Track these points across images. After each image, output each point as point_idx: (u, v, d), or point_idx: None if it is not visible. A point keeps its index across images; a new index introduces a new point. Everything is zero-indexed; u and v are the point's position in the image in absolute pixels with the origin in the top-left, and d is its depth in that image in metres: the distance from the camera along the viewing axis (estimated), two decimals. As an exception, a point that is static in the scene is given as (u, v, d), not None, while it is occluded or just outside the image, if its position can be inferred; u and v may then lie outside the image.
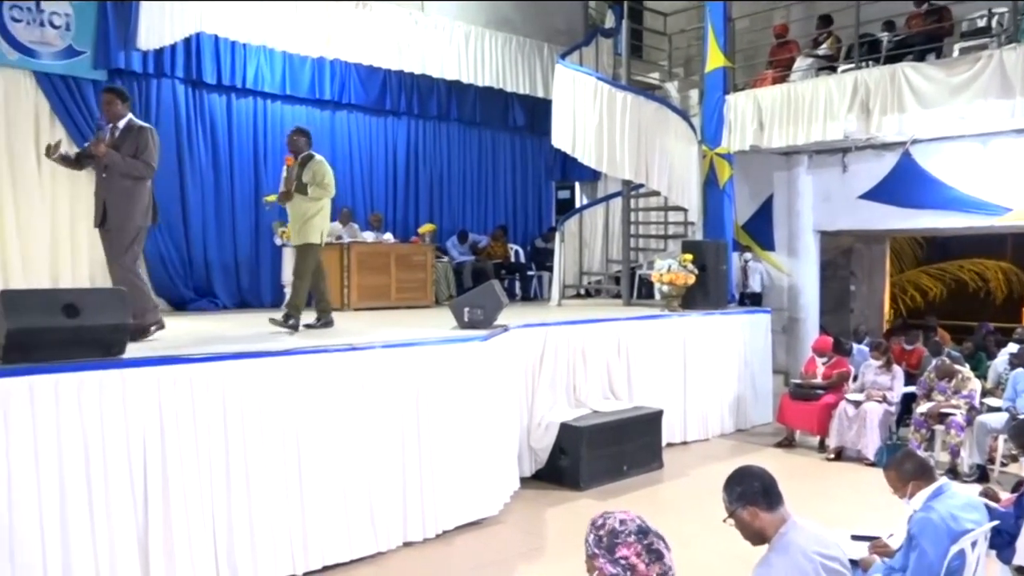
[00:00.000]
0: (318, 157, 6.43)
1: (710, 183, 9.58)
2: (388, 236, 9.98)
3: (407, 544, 5.05)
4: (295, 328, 5.92)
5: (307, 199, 6.23)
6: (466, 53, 10.08)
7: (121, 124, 5.34)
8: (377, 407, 4.91)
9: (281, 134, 9.86)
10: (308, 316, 6.33)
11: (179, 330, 5.82)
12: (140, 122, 5.46)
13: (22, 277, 7.80)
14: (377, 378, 4.92)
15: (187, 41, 8.62)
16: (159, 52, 8.58)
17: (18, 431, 3.58)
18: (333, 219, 9.78)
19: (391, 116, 10.93)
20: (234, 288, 9.48)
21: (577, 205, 12.81)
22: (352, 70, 10.21)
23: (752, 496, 2.62)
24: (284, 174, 6.50)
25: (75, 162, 5.56)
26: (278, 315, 6.07)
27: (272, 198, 9.44)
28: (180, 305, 8.59)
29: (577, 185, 13.24)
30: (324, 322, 6.40)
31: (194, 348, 4.61)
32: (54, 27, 8.06)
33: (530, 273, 11.80)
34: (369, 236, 9.75)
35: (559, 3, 11.19)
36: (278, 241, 9.39)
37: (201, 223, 9.10)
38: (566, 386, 6.93)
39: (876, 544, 3.48)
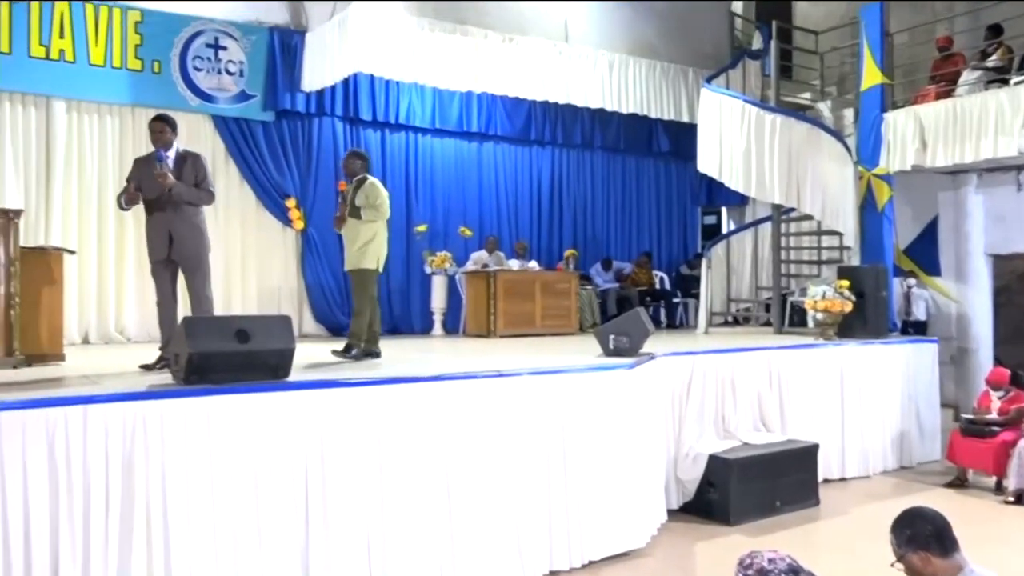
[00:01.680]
0: (372, 179, 6.24)
1: (868, 206, 9.13)
2: (533, 264, 10.11)
3: (553, 573, 5.03)
4: (357, 358, 5.90)
5: (361, 223, 6.02)
6: (610, 81, 10.11)
7: (172, 153, 5.34)
8: (523, 434, 4.94)
9: (431, 166, 10.28)
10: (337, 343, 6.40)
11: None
12: (190, 149, 5.53)
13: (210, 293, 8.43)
14: (523, 405, 4.96)
15: (345, 82, 9.14)
16: (320, 93, 9.16)
17: (196, 449, 3.84)
18: (479, 247, 10.09)
19: (536, 146, 11.13)
20: (386, 315, 9.82)
21: (724, 231, 12.50)
22: (498, 102, 10.49)
23: (924, 540, 2.44)
24: (339, 200, 6.32)
25: (131, 201, 5.39)
26: (339, 347, 6.03)
27: (423, 228, 9.85)
28: (337, 331, 9.00)
29: (724, 210, 12.94)
30: (369, 352, 6.08)
31: (351, 373, 4.82)
32: (229, 74, 8.74)
33: (675, 300, 11.60)
34: (515, 264, 9.90)
35: (704, 27, 11.04)
36: (428, 269, 9.70)
37: (357, 253, 9.53)
38: (714, 417, 6.73)
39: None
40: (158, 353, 5.28)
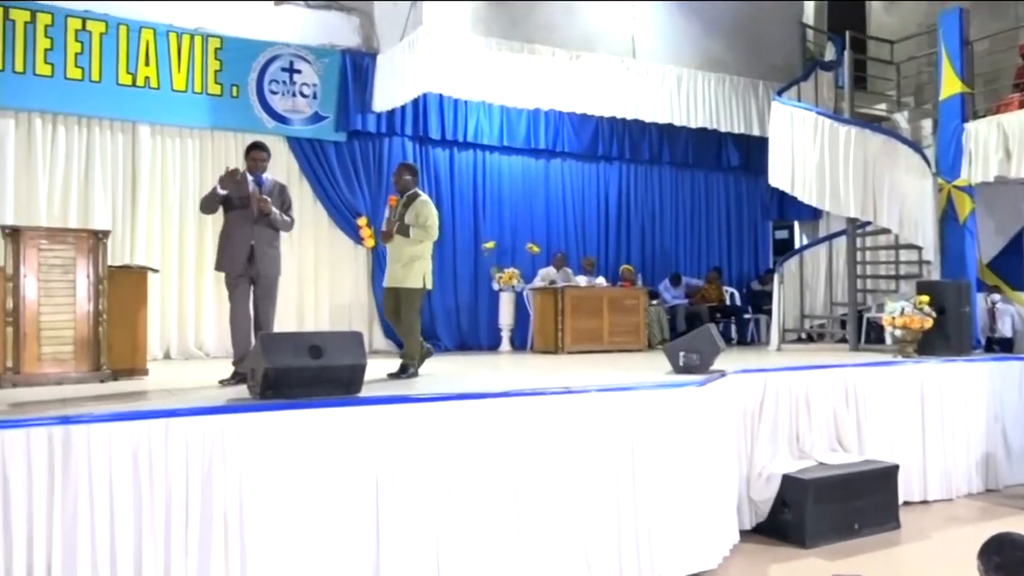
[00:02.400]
0: (424, 197, 6.11)
1: (948, 218, 8.82)
2: (601, 280, 10.07)
3: (622, 591, 4.97)
4: (413, 378, 5.87)
5: (409, 241, 5.91)
6: (678, 96, 10.04)
7: (265, 178, 5.64)
8: (592, 451, 4.91)
9: (499, 183, 10.36)
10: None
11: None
12: (277, 179, 5.85)
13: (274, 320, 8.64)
14: (592, 422, 4.93)
15: (415, 102, 9.31)
16: (391, 113, 9.36)
17: (271, 462, 3.93)
18: (547, 264, 10.11)
19: (603, 162, 11.12)
20: (455, 331, 9.95)
21: (797, 245, 12.25)
22: (565, 119, 10.54)
23: (1015, 568, 2.33)
24: (387, 214, 6.17)
25: (219, 203, 5.58)
26: (395, 370, 5.96)
27: (491, 245, 9.93)
28: (406, 347, 9.11)
29: (796, 224, 12.70)
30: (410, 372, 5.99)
31: (421, 388, 4.87)
32: (303, 96, 9.00)
33: (746, 316, 11.41)
34: (582, 280, 9.88)
35: (774, 39, 10.89)
36: (496, 286, 9.76)
37: (426, 270, 9.66)
38: (788, 436, 6.56)
39: None
40: (236, 367, 5.43)
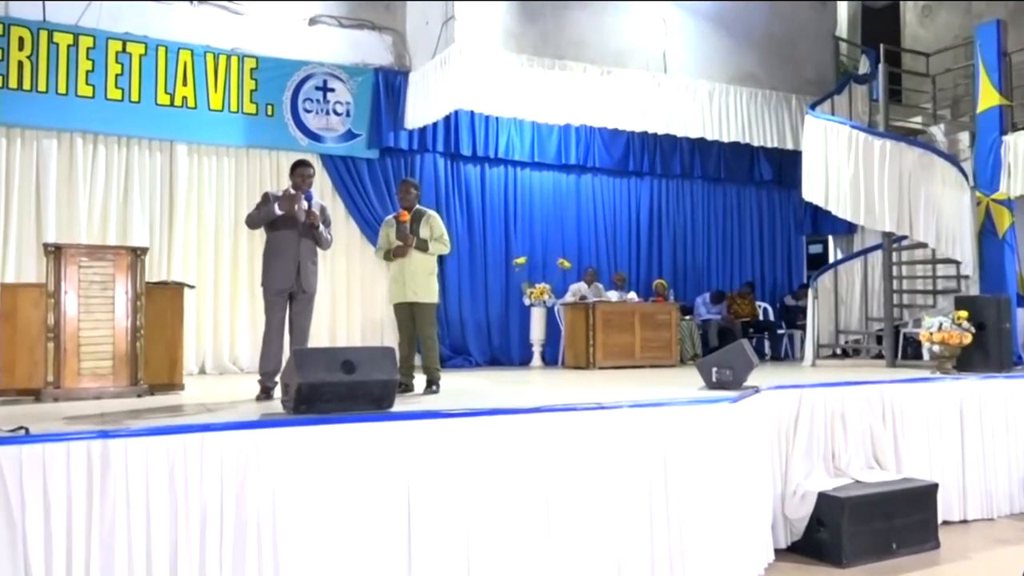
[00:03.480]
0: (432, 212, 6.24)
1: (987, 232, 8.68)
2: (632, 295, 10.04)
3: (655, 610, 4.92)
4: (437, 391, 5.89)
5: (424, 256, 5.99)
6: (710, 110, 10.01)
7: (312, 195, 5.71)
8: (624, 467, 4.88)
9: (530, 199, 10.40)
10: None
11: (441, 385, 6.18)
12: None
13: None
14: (624, 438, 4.90)
15: (447, 118, 9.39)
16: (422, 130, 9.46)
17: (305, 476, 3.96)
18: (578, 279, 10.11)
19: (634, 177, 11.12)
20: (486, 346, 9.97)
21: (831, 260, 12.11)
22: (596, 134, 10.57)
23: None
24: (385, 230, 6.17)
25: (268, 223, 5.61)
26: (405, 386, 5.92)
27: (522, 260, 9.95)
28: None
29: (830, 239, 12.56)
30: (405, 386, 5.89)
31: (452, 403, 4.88)
32: (337, 114, 9.13)
33: (780, 332, 11.29)
34: (613, 295, 9.86)
35: (807, 53, 10.82)
36: (527, 301, 9.77)
37: (457, 285, 9.72)
38: (823, 453, 6.46)
39: None
40: (264, 383, 5.50)
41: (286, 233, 5.55)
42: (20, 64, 7.79)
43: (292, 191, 5.60)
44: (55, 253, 5.50)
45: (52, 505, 3.40)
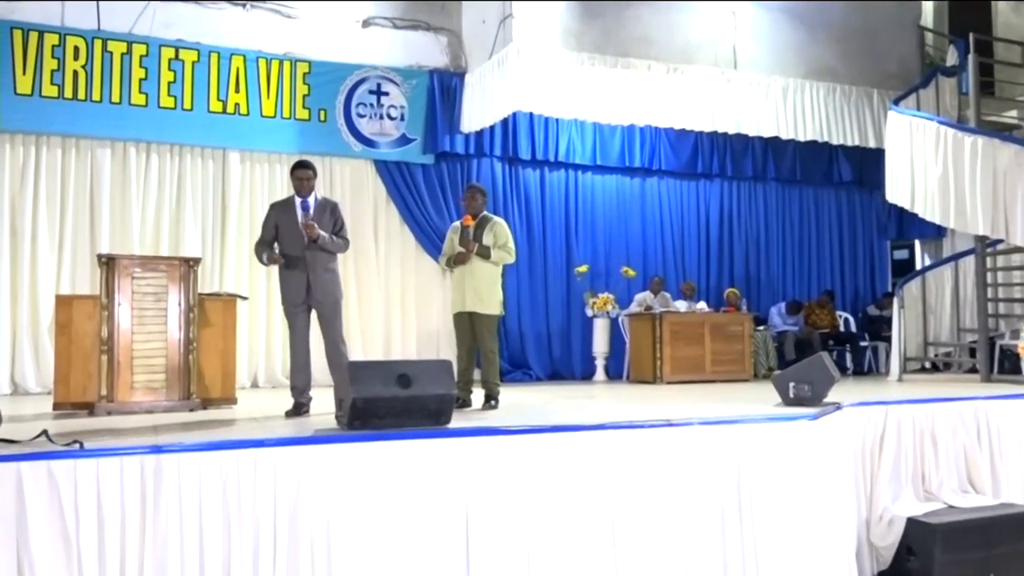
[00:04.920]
0: (498, 219, 6.24)
1: (1093, 235, 8.32)
2: (702, 305, 9.92)
3: (729, 641, 4.83)
4: (496, 406, 5.87)
5: (486, 265, 5.96)
6: (784, 108, 9.85)
7: (312, 199, 5.61)
8: (695, 488, 4.80)
9: (592, 204, 10.37)
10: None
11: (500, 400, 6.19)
12: (328, 197, 5.79)
13: (360, 347, 8.87)
14: (695, 457, 4.83)
15: (504, 121, 9.43)
16: (479, 133, 9.52)
17: (359, 494, 3.99)
18: (644, 288, 10.03)
19: (703, 179, 11.01)
20: (546, 359, 9.96)
21: (918, 266, 11.80)
22: (662, 135, 10.49)
23: None
24: (450, 236, 6.20)
25: (275, 261, 5.65)
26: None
27: (584, 269, 9.92)
28: (497, 376, 9.18)
29: (917, 243, 12.25)
30: (463, 401, 5.93)
31: (511, 419, 4.88)
32: (391, 119, 9.25)
33: (862, 344, 11.03)
34: (682, 305, 9.76)
35: (889, 45, 10.58)
36: (589, 312, 9.73)
37: (516, 295, 9.72)
38: (912, 475, 6.27)
39: None
40: (296, 399, 5.52)
41: (290, 245, 5.56)
42: (75, 73, 8.09)
43: (301, 209, 5.57)
44: (108, 264, 5.68)
45: (106, 521, 3.49)
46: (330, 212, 5.67)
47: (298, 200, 5.64)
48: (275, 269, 8.66)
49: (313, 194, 5.67)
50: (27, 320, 7.94)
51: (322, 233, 5.49)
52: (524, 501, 4.37)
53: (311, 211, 5.57)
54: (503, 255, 6.03)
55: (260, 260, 5.76)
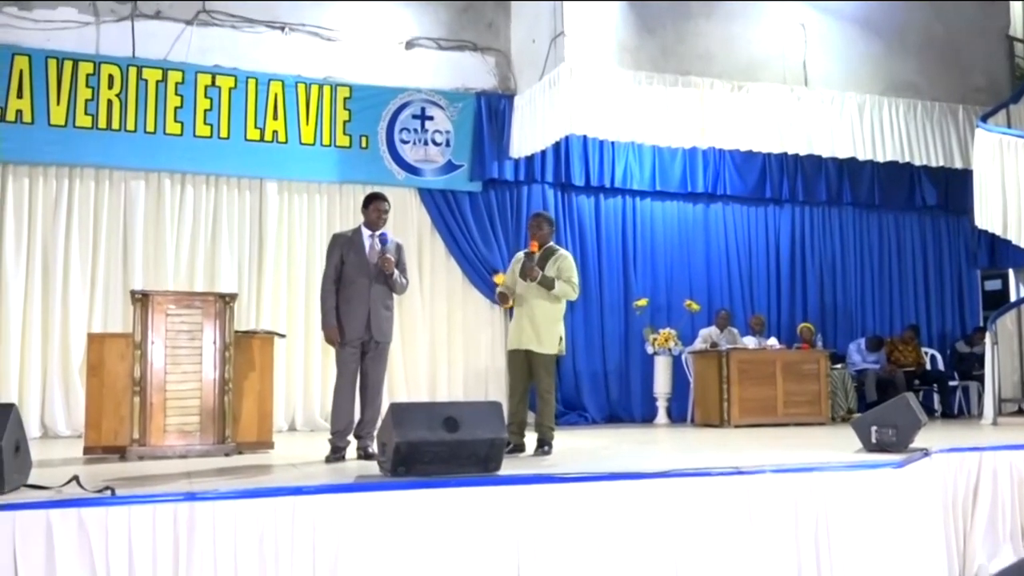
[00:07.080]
0: (565, 251, 6.24)
1: None
2: (772, 341, 9.81)
3: None
4: (549, 452, 5.86)
5: (547, 299, 5.94)
6: (860, 126, 9.75)
7: (387, 234, 5.76)
8: (766, 542, 4.73)
9: (652, 232, 10.37)
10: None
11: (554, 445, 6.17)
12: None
13: (404, 388, 8.93)
14: (768, 508, 4.76)
15: (556, 145, 9.47)
16: (530, 159, 9.57)
17: (403, 544, 4.00)
18: (709, 323, 9.96)
19: (772, 204, 10.93)
20: (603, 401, 9.91)
21: (1012, 297, 11.54)
22: (727, 158, 10.46)
23: None
24: (512, 267, 6.25)
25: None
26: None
27: (643, 303, 9.87)
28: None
29: (1011, 273, 11.95)
30: (517, 446, 5.90)
31: (565, 467, 4.86)
32: (436, 144, 9.37)
33: (951, 383, 10.79)
34: (750, 342, 9.66)
35: (975, 57, 10.45)
36: (650, 349, 9.68)
37: (570, 331, 9.65)
38: (1010, 529, 6.09)
39: None
40: (335, 443, 5.56)
41: (354, 277, 5.65)
42: (109, 103, 8.36)
43: (371, 234, 5.71)
44: (142, 301, 5.82)
45: (137, 571, 3.56)
46: (396, 250, 5.80)
47: (368, 232, 5.76)
48: (315, 304, 8.87)
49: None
50: (58, 359, 8.13)
51: (395, 270, 5.66)
52: (580, 555, 4.34)
53: (389, 246, 5.70)
54: (567, 289, 5.99)
55: (324, 302, 5.76)
